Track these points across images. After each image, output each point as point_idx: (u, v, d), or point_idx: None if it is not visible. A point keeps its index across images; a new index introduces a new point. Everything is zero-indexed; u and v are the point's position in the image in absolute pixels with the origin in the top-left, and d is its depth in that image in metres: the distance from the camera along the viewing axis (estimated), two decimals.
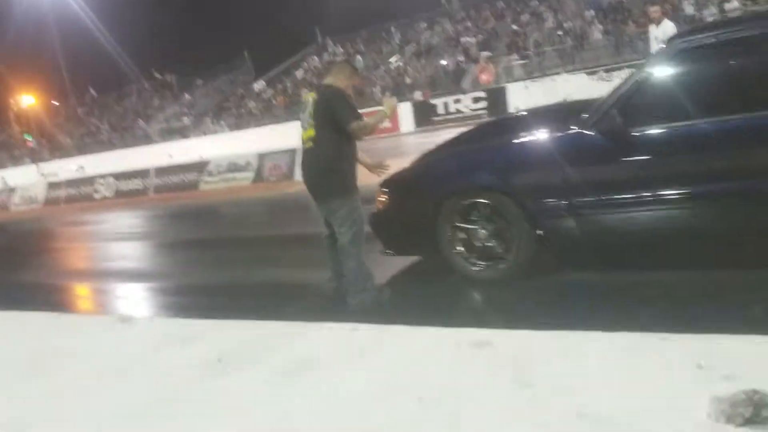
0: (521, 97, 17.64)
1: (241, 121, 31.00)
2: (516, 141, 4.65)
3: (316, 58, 34.56)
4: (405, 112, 21.11)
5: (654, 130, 3.90)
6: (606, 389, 2.75)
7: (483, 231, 4.46)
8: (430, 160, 5.23)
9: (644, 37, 19.87)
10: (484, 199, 4.40)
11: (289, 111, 27.84)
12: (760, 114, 3.65)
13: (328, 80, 4.71)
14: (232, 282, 6.49)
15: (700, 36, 4.01)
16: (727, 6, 20.38)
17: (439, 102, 20.67)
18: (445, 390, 2.97)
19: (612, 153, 3.98)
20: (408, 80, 26.64)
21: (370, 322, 4.02)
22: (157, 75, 39.75)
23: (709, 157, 3.75)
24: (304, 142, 4.66)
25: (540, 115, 5.51)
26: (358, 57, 31.27)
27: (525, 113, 6.58)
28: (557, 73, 19.78)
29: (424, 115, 20.45)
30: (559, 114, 4.97)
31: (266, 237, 8.94)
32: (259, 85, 34.79)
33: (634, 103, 3.93)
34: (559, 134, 4.32)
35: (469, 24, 30.36)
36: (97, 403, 3.48)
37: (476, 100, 19.41)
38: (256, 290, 5.88)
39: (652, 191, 3.89)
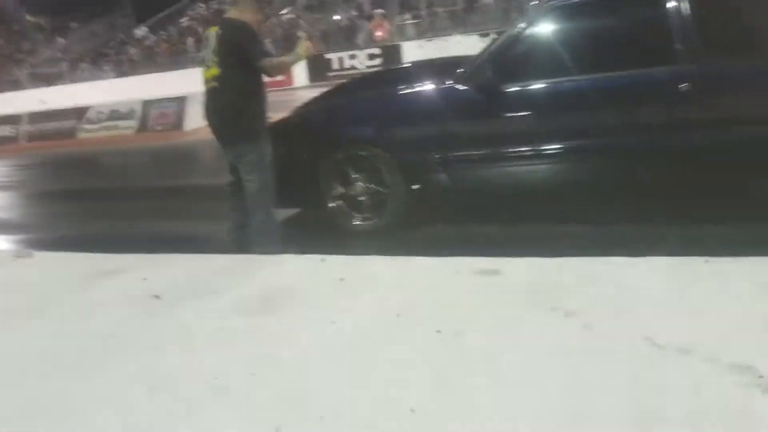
0: (416, 55, 17.67)
1: (120, 69, 29.40)
2: (393, 93, 4.62)
3: (203, 5, 33.12)
4: (298, 66, 20.65)
5: (524, 87, 3.93)
6: (669, 316, 2.69)
7: (361, 184, 4.43)
8: (309, 109, 5.10)
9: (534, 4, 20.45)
10: (361, 151, 4.36)
11: (174, 60, 26.65)
12: (626, 72, 3.73)
13: (232, 13, 4.36)
14: (115, 234, 6.06)
15: None
16: None
17: (333, 57, 20.42)
18: (465, 320, 2.85)
19: (483, 108, 4.01)
20: (300, 33, 26.03)
21: None
22: (29, 17, 36.87)
23: (575, 114, 3.85)
24: (206, 82, 4.35)
25: (423, 68, 5.49)
26: None
27: (409, 65, 6.61)
28: (449, 35, 19.96)
29: (319, 70, 20.13)
30: (441, 68, 4.96)
31: (153, 188, 8.51)
32: (140, 31, 33.01)
33: (506, 58, 3.96)
34: (434, 88, 4.33)
35: None
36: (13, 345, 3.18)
37: (371, 56, 19.36)
38: (143, 244, 5.30)
39: (520, 147, 3.97)
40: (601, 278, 3.18)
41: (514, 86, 3.91)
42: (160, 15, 34.09)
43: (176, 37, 30.53)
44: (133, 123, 14.31)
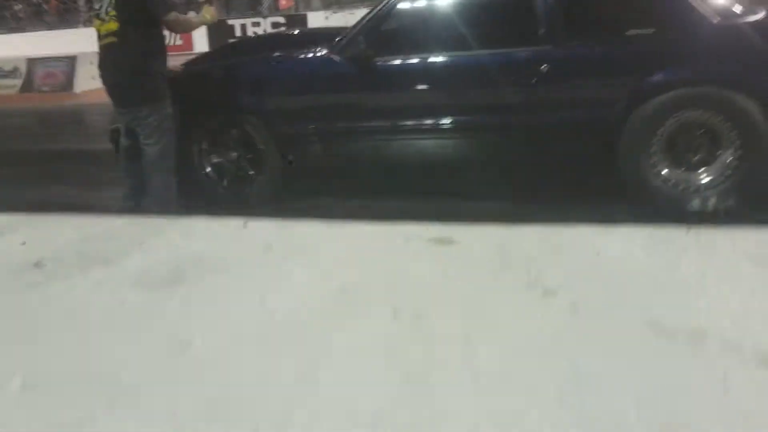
0: (321, 26, 17.12)
1: (5, 25, 27.16)
2: (269, 61, 4.48)
3: None
4: (199, 31, 19.58)
5: (394, 61, 3.89)
6: (668, 294, 2.28)
7: (234, 152, 4.28)
8: (185, 72, 4.73)
9: None
10: (235, 118, 4.23)
11: (63, 18, 24.84)
12: (491, 52, 3.74)
13: None
14: None
15: None
16: None
17: (236, 23, 19.53)
18: (426, 299, 2.35)
19: (356, 80, 3.94)
20: None
21: None
22: None
23: (442, 90, 3.84)
24: (102, 38, 3.83)
25: (307, 36, 5.46)
26: None
27: (296, 32, 6.64)
28: (356, 7, 19.51)
29: (220, 36, 19.17)
30: (326, 37, 4.71)
31: (38, 151, 7.71)
32: None
33: (379, 31, 3.91)
34: (310, 57, 4.23)
35: None
36: None
37: (275, 25, 18.59)
38: (23, 209, 4.75)
39: (390, 121, 3.90)
40: (577, 248, 2.73)
41: (385, 60, 3.87)
42: None
43: None
44: (16, 82, 12.99)
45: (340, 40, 4.06)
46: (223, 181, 4.33)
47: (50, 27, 24.02)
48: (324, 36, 4.86)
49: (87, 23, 24.84)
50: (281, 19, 18.83)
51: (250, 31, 19.24)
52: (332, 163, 4.24)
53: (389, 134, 3.94)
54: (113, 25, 3.80)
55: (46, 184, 5.72)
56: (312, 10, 20.47)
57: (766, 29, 3.47)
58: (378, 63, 3.86)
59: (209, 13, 4.23)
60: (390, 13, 3.96)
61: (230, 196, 4.31)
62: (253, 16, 20.85)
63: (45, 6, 27.94)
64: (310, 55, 4.26)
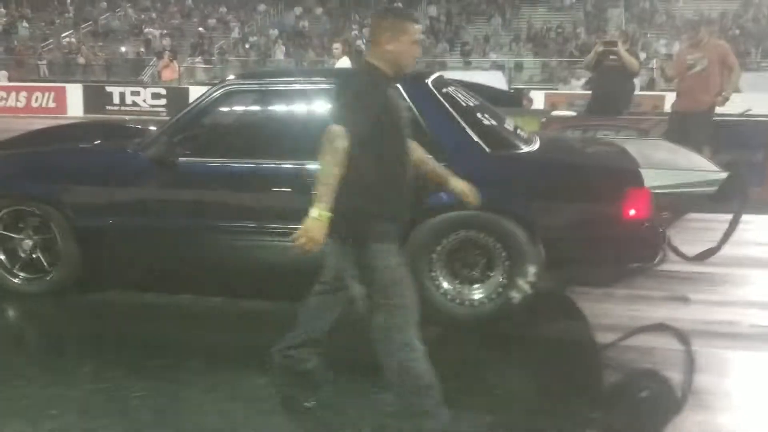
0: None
1: None
2: (73, 151, 4.48)
3: None
4: (74, 94, 19.63)
5: (197, 162, 3.99)
6: None
7: (29, 241, 4.19)
8: None
9: (321, 66, 21.50)
10: (32, 207, 4.14)
11: None
12: (283, 162, 3.88)
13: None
14: None
15: (247, 82, 4.31)
16: None
17: (115, 90, 19.52)
18: None
19: (158, 178, 4.03)
20: (81, 60, 24.83)
21: None
22: None
23: (224, 194, 3.99)
24: None
25: (118, 129, 5.52)
26: (24, 23, 28.29)
27: (100, 124, 6.71)
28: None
29: (97, 102, 19.15)
30: (137, 132, 4.89)
31: None
32: None
33: (187, 132, 4.04)
34: (115, 152, 4.30)
35: (154, 15, 29.45)
36: None
37: (156, 96, 18.71)
38: None
39: (188, 220, 4.00)
40: None
41: (187, 161, 3.97)
42: None
43: None
44: None
45: (144, 138, 4.16)
46: (17, 269, 4.20)
47: None
48: (123, 131, 5.04)
49: None
50: (162, 90, 18.88)
51: (129, 100, 19.10)
52: (129, 258, 4.29)
53: (183, 233, 4.03)
54: None
55: None
56: (196, 83, 20.89)
57: (533, 161, 3.86)
58: (177, 163, 3.94)
59: None
60: (195, 115, 4.09)
61: (20, 285, 4.19)
62: (134, 84, 20.95)
63: None
64: (114, 151, 4.30)
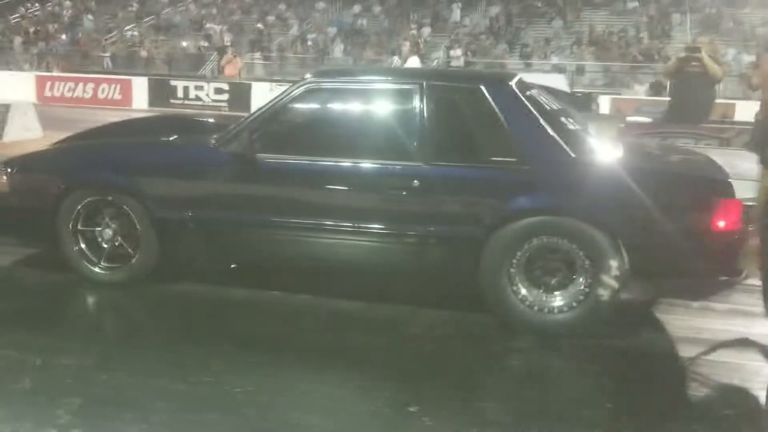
0: (266, 97, 17.41)
1: None
2: (154, 144, 4.54)
3: (37, 4, 31.20)
4: (140, 87, 20.04)
5: (275, 160, 4.00)
6: None
7: (108, 231, 4.25)
8: (66, 146, 4.83)
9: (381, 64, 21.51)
10: (112, 197, 4.20)
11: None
12: (369, 162, 3.89)
13: None
14: None
15: (327, 80, 4.24)
16: (452, 53, 22.82)
17: (179, 84, 19.86)
18: None
19: (237, 174, 4.06)
20: (143, 53, 25.35)
21: None
22: None
23: (318, 193, 3.99)
24: None
25: (194, 124, 5.59)
26: (89, 16, 29.02)
27: (182, 118, 6.79)
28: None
29: (161, 95, 19.50)
30: (213, 127, 4.92)
31: None
32: None
33: (266, 129, 4.03)
34: (195, 146, 4.35)
35: (214, 11, 29.90)
36: None
37: (219, 91, 18.96)
38: None
39: (266, 216, 4.02)
40: None
41: (266, 158, 3.99)
42: None
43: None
44: None
45: (226, 133, 4.15)
46: (96, 258, 4.26)
47: None
48: (201, 126, 5.06)
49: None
50: (225, 86, 19.10)
51: (193, 94, 19.39)
52: (209, 252, 4.30)
53: (263, 229, 4.05)
54: None
55: None
56: (255, 79, 21.14)
57: (618, 168, 3.74)
58: (261, 160, 3.97)
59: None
60: (278, 112, 4.08)
61: (99, 274, 4.26)
62: (198, 79, 21.31)
63: None
64: (195, 145, 4.34)
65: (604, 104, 15.14)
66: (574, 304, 3.63)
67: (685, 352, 3.59)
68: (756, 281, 4.45)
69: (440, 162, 3.78)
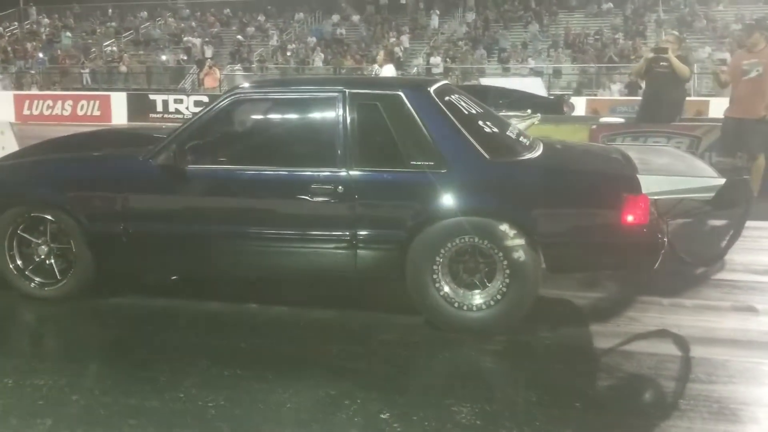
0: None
1: None
2: (83, 159, 4.59)
3: (15, 23, 31.06)
4: (118, 102, 20.01)
5: (204, 170, 4.06)
6: None
7: (44, 247, 4.27)
8: (5, 162, 4.84)
9: (360, 73, 21.57)
10: (47, 214, 4.22)
11: None
12: (292, 170, 3.97)
13: None
14: None
15: (253, 91, 4.35)
16: (431, 60, 22.95)
17: (158, 98, 19.85)
18: None
19: (166, 185, 4.10)
20: (122, 68, 25.28)
21: None
22: None
23: (241, 201, 4.08)
24: None
25: (127, 137, 5.78)
26: (67, 33, 28.94)
27: (116, 132, 6.90)
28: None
29: (141, 110, 19.49)
30: (143, 139, 4.93)
31: None
32: None
33: (194, 140, 4.08)
34: (124, 159, 4.40)
35: (193, 24, 29.90)
36: None
37: (198, 103, 18.91)
38: None
39: (196, 227, 4.07)
40: None
41: (194, 169, 4.04)
42: None
43: None
44: None
45: (154, 146, 4.16)
46: (33, 274, 4.29)
47: None
48: (136, 139, 5.11)
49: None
50: (205, 98, 19.08)
51: (172, 107, 19.34)
52: (142, 265, 4.35)
53: (192, 239, 4.09)
54: None
55: None
56: None
57: (531, 168, 3.90)
58: (187, 171, 4.00)
59: None
60: (204, 124, 4.12)
61: (36, 290, 4.28)
62: (177, 92, 21.28)
63: None
64: (124, 158, 4.38)
65: (580, 105, 15.27)
66: (492, 302, 3.75)
67: (657, 349, 3.63)
68: (726, 275, 4.58)
69: (363, 168, 3.87)
